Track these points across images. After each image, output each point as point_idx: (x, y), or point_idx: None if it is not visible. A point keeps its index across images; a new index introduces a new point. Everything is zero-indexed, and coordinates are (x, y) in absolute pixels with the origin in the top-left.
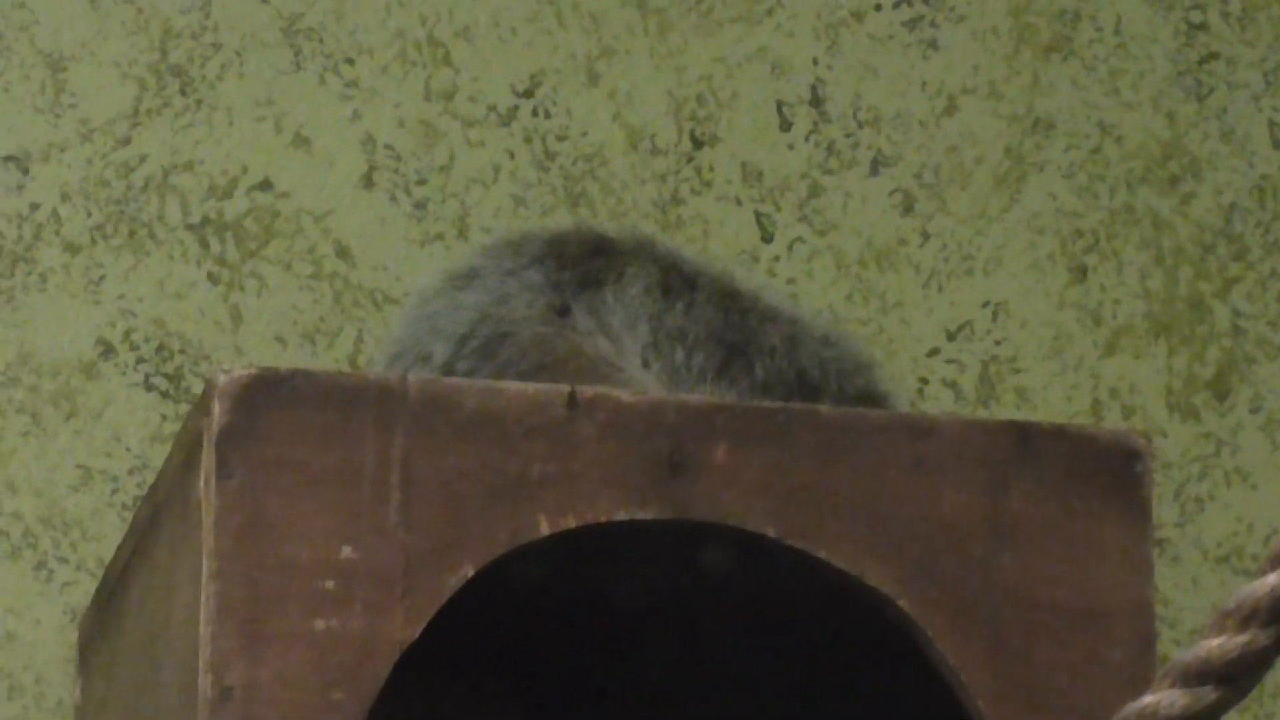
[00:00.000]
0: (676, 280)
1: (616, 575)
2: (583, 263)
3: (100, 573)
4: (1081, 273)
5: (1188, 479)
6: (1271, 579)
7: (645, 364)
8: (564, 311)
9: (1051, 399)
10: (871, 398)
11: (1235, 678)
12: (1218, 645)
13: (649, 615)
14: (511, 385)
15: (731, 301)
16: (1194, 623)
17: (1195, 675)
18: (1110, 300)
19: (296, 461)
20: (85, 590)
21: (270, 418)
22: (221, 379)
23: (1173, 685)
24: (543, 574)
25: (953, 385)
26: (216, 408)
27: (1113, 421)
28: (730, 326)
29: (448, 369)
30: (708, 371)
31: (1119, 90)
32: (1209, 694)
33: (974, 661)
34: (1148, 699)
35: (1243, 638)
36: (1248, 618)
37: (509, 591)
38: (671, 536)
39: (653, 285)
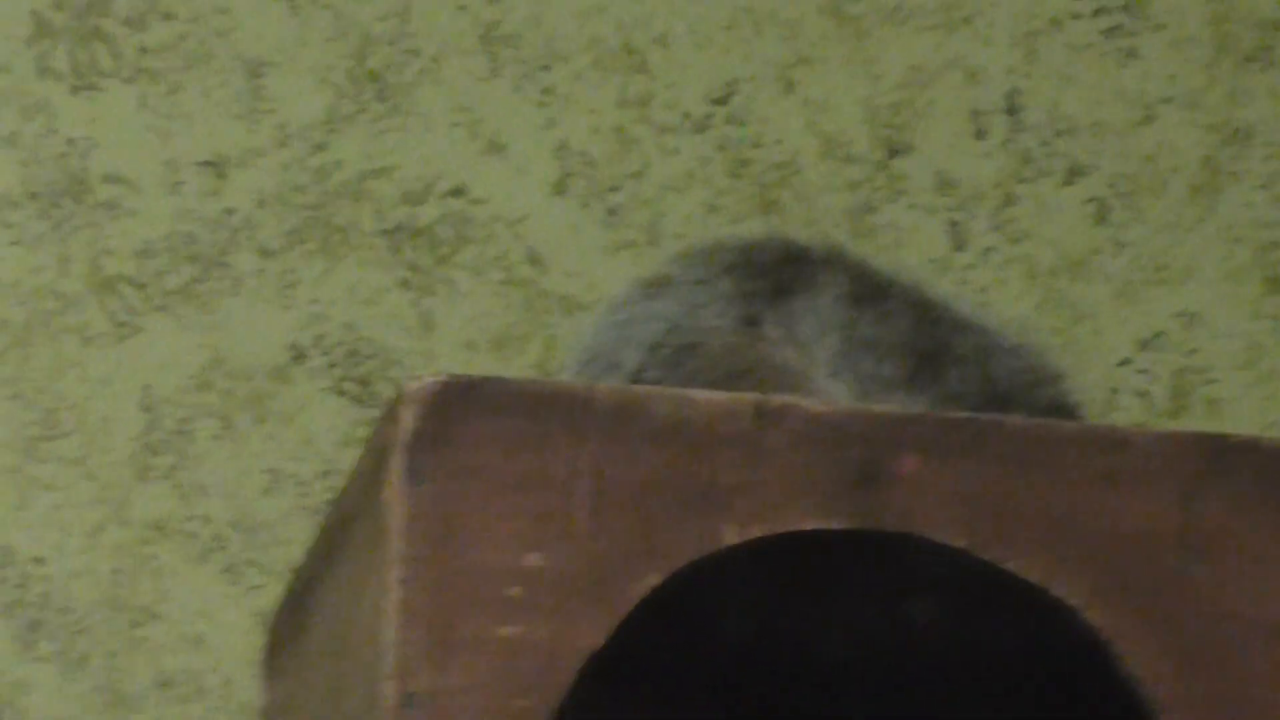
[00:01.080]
0: (868, 289)
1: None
2: (774, 271)
3: (288, 576)
4: (1277, 284)
5: None
6: None
7: (835, 373)
8: (754, 321)
9: (1245, 411)
10: (1061, 409)
11: None
12: None
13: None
14: (701, 394)
15: (923, 310)
16: None
17: None
18: None
19: (486, 468)
20: (273, 594)
21: (460, 424)
22: (412, 386)
23: None
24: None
25: (1144, 395)
26: (407, 414)
27: None
28: (921, 335)
29: (637, 377)
30: (898, 381)
31: None
32: None
33: (1165, 676)
34: None
35: None
36: None
37: (699, 603)
38: (871, 574)
39: (844, 294)
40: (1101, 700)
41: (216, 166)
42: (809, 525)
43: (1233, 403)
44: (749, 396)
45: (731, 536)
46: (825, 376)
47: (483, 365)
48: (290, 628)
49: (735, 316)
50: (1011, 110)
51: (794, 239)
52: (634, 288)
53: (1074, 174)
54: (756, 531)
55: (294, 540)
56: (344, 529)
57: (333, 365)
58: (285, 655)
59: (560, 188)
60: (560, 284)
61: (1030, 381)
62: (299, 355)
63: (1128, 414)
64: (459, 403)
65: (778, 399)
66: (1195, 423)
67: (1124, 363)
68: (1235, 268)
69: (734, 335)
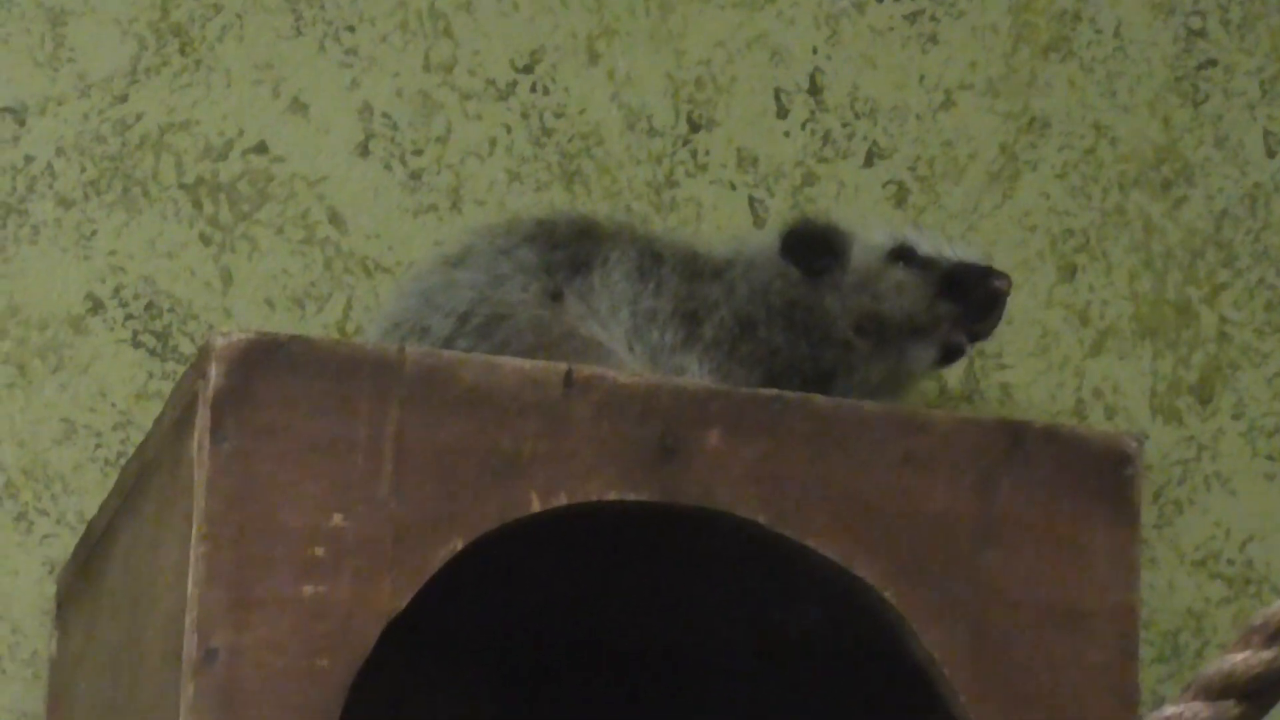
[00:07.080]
0: (648, 261)
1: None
2: (572, 244)
3: (81, 527)
4: (1070, 272)
5: (1168, 482)
6: None
7: (630, 348)
8: (557, 295)
9: (1036, 397)
10: (794, 304)
11: (1258, 694)
12: (1242, 660)
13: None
14: (509, 361)
15: (687, 268)
16: (1169, 625)
17: (1219, 689)
18: (1098, 301)
19: (291, 428)
20: (65, 544)
21: (266, 383)
22: (219, 341)
23: (1195, 698)
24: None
25: (937, 378)
26: (213, 370)
27: (1095, 421)
28: (688, 297)
29: (448, 345)
30: (676, 346)
31: (1115, 92)
32: (1231, 709)
33: (957, 656)
34: (1169, 710)
35: (1267, 654)
36: (1273, 635)
37: (499, 568)
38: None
39: (631, 270)
40: (891, 686)
41: (15, 113)
42: (612, 496)
43: (1024, 389)
44: (557, 365)
45: (535, 505)
46: (624, 351)
47: (281, 323)
48: (84, 578)
49: (540, 290)
50: (813, 90)
51: (583, 214)
52: (435, 258)
53: (874, 156)
54: (559, 501)
55: (87, 491)
56: (143, 482)
57: (130, 317)
58: (78, 606)
59: (363, 149)
60: (361, 245)
61: (764, 291)
62: (96, 306)
63: (922, 396)
64: (266, 361)
65: (586, 369)
66: (988, 407)
67: None
68: (1030, 255)
69: (540, 309)
